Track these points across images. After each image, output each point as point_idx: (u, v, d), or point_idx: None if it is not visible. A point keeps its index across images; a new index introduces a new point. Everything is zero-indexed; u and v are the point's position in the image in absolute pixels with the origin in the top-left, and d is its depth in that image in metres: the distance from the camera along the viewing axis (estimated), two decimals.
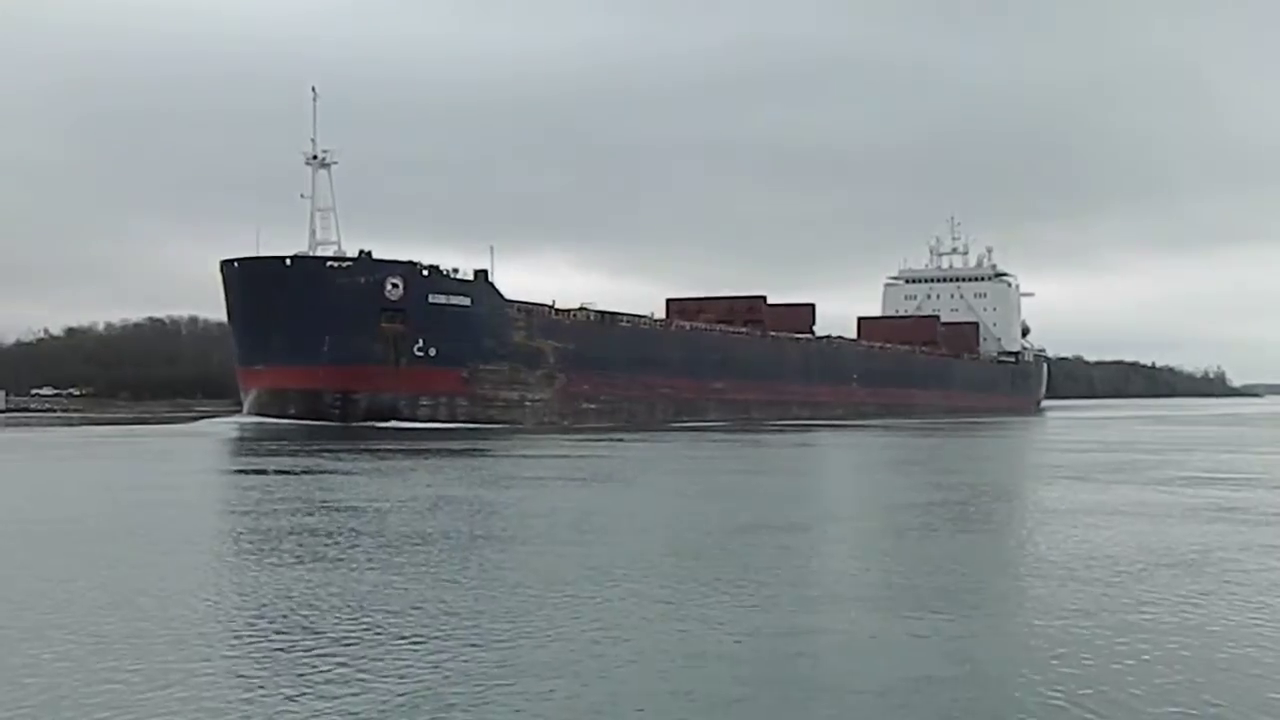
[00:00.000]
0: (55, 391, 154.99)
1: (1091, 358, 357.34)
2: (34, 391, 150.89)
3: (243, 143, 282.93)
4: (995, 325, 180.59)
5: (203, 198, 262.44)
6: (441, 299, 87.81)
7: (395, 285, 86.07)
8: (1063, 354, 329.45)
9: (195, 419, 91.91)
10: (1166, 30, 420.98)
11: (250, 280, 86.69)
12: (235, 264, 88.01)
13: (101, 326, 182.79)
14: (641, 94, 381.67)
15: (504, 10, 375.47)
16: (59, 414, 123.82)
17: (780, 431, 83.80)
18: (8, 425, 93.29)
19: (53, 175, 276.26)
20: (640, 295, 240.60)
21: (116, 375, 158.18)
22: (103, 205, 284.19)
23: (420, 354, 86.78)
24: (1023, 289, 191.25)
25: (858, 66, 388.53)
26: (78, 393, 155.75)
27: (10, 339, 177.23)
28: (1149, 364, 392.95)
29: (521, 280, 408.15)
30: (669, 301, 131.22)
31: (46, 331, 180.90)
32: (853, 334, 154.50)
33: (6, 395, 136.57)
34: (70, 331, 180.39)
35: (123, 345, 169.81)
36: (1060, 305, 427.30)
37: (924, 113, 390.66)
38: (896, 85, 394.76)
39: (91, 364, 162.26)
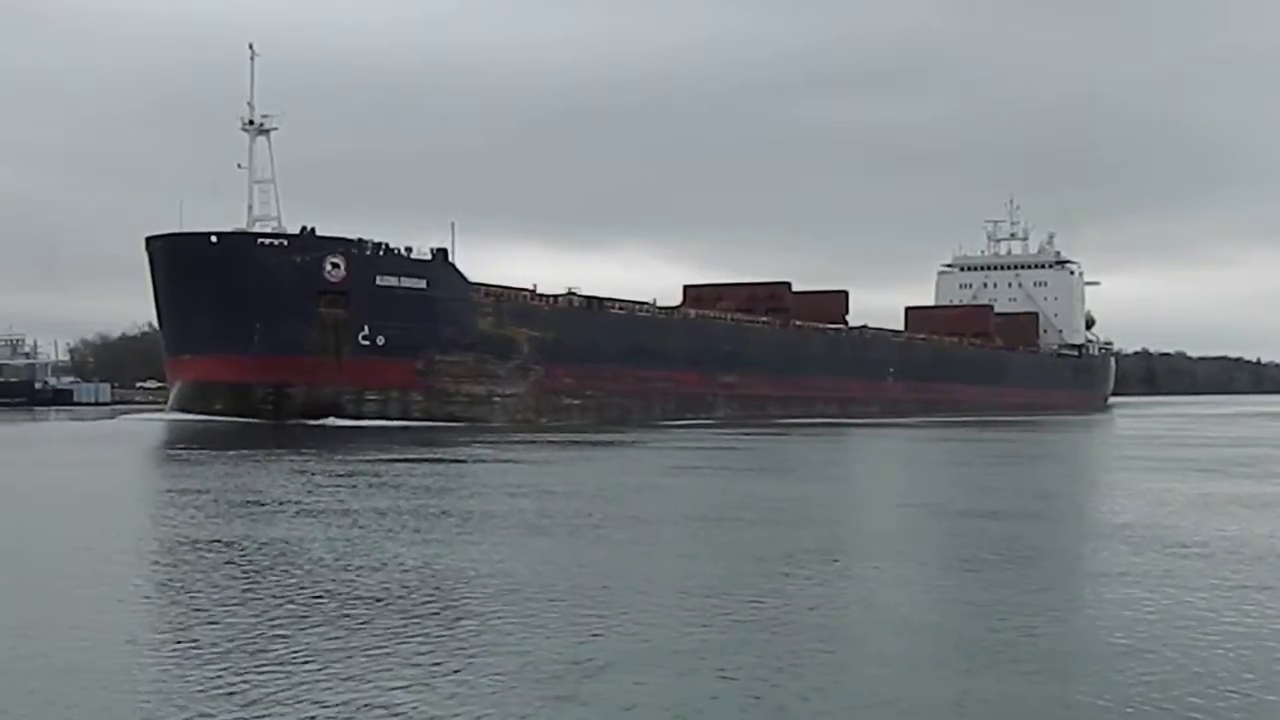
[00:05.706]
0: (159, 385, 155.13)
1: (1194, 353, 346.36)
2: (138, 385, 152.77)
3: None
4: (1056, 316, 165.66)
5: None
6: (391, 281, 77.18)
7: (335, 265, 75.59)
8: (1164, 349, 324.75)
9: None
10: (1260, 17, 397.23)
11: (174, 259, 77.05)
12: (159, 241, 78.17)
13: None
14: (717, 88, 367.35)
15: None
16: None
17: (761, 432, 71.36)
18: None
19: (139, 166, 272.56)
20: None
21: None
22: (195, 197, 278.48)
23: (366, 343, 76.20)
24: (1088, 277, 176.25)
25: (944, 56, 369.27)
26: None
27: (115, 333, 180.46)
28: (1254, 360, 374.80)
29: (606, 274, 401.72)
30: (686, 288, 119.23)
31: (150, 325, 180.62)
32: (902, 326, 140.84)
33: (112, 388, 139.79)
34: None
35: None
36: (1161, 300, 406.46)
37: (1014, 106, 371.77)
38: (985, 76, 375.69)
39: None
